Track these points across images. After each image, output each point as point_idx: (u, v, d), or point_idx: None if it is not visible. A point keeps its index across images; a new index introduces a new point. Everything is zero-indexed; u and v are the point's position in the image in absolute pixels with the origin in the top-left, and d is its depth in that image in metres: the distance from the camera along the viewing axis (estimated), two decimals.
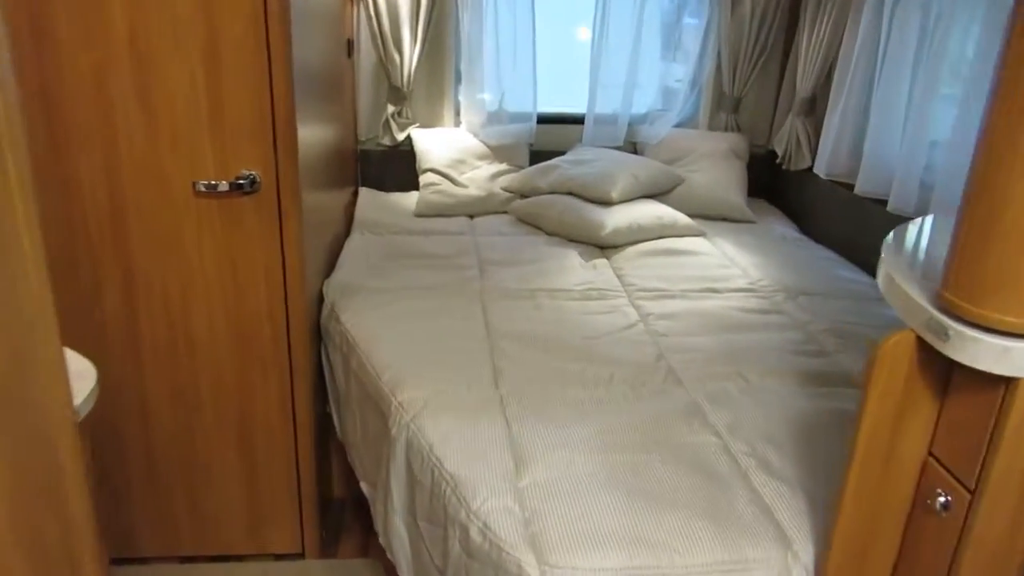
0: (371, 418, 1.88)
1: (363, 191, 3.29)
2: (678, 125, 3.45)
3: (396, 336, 1.97)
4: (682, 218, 2.90)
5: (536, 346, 1.95)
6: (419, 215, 3.07)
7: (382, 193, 3.32)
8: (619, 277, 2.50)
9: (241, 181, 1.86)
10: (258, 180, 1.90)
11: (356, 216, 3.01)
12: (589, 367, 1.85)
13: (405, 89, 3.26)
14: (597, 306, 2.24)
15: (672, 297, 2.33)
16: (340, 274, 2.39)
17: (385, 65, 3.22)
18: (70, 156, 1.84)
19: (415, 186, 3.29)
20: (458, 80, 3.36)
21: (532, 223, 2.98)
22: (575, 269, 2.53)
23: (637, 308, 2.25)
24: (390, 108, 3.30)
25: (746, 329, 2.12)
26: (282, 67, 1.81)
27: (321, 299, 2.32)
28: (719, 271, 2.55)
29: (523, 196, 3.14)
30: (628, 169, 3.01)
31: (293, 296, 2.04)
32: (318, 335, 2.27)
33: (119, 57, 1.78)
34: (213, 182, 1.87)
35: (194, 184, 1.86)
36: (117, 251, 1.94)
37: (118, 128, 1.83)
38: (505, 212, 3.14)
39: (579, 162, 3.13)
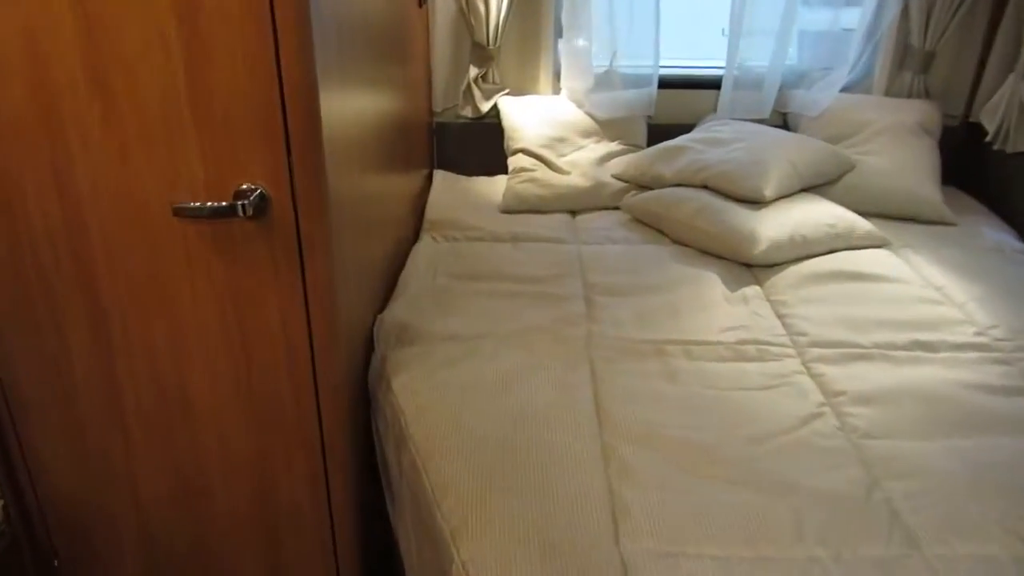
0: (428, 553, 1.28)
1: (438, 175, 2.66)
2: (846, 89, 2.63)
3: (465, 435, 1.34)
4: (860, 223, 2.13)
5: (673, 459, 1.28)
6: (506, 211, 2.41)
7: (462, 178, 2.68)
8: (781, 318, 1.78)
9: (242, 202, 1.25)
10: (267, 197, 1.29)
11: (427, 211, 2.38)
12: (759, 503, 1.18)
13: (491, 47, 2.58)
14: (757, 373, 1.55)
15: (866, 359, 1.60)
16: (398, 307, 1.78)
17: (467, 16, 2.54)
18: (3, 162, 1.28)
19: (502, 168, 2.64)
20: (559, 34, 2.65)
21: (653, 225, 2.28)
22: (718, 304, 1.83)
23: (817, 379, 1.54)
24: (473, 71, 2.62)
25: (996, 428, 1.38)
26: (293, 22, 1.17)
27: (371, 342, 1.72)
28: (926, 310, 1.79)
29: (640, 187, 2.43)
30: (783, 153, 2.24)
31: (322, 350, 1.44)
32: (364, 394, 1.68)
33: (59, 18, 1.18)
34: (201, 203, 1.27)
35: (173, 206, 1.27)
36: (84, 295, 1.39)
37: (66, 122, 1.25)
38: (617, 208, 2.44)
39: (714, 142, 2.38)
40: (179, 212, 1.27)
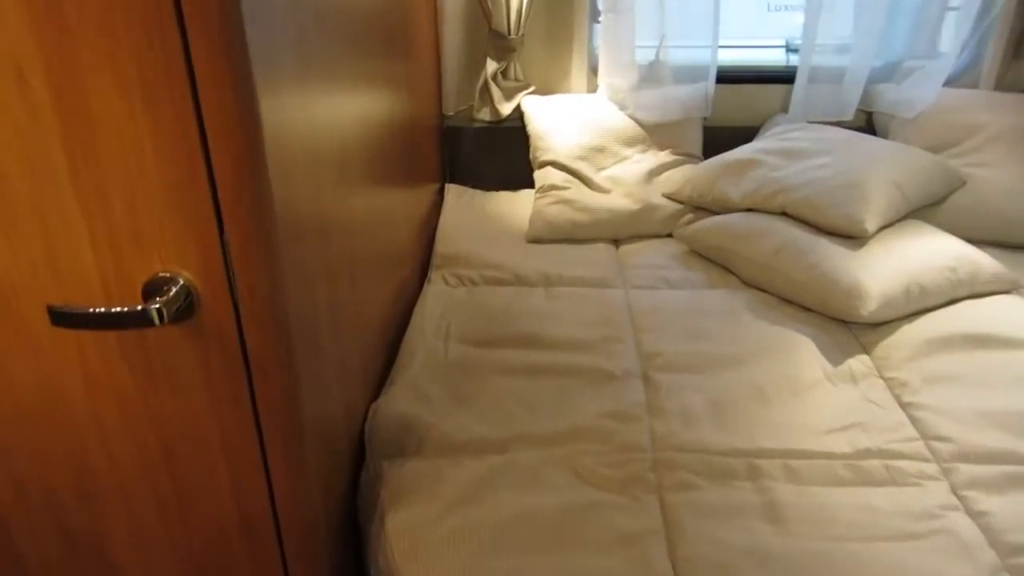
0: None
1: (451, 191, 2.22)
2: (949, 83, 2.15)
3: None
4: (986, 263, 1.67)
5: None
6: (535, 240, 1.97)
7: (479, 194, 2.23)
8: (906, 408, 1.34)
9: (156, 304, 0.82)
10: (192, 292, 0.86)
11: (438, 241, 1.95)
12: None
13: (513, 36, 2.12)
14: (891, 510, 1.11)
15: None
16: (398, 393, 1.36)
17: (483, 0, 2.08)
18: None
19: (526, 180, 2.19)
20: (594, 19, 2.19)
21: (717, 261, 1.83)
22: (818, 385, 1.39)
23: (978, 519, 1.10)
24: (491, 66, 2.17)
25: None
26: (210, 11, 0.74)
27: (361, 441, 1.30)
28: None
29: (697, 208, 1.98)
30: (883, 171, 1.78)
31: (285, 489, 1.02)
32: (352, 517, 1.26)
33: None
34: (92, 307, 0.84)
35: (50, 308, 0.84)
36: None
37: None
38: (669, 236, 1.99)
39: (792, 154, 1.92)
40: (59, 320, 0.84)
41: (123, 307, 0.83)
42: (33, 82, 0.75)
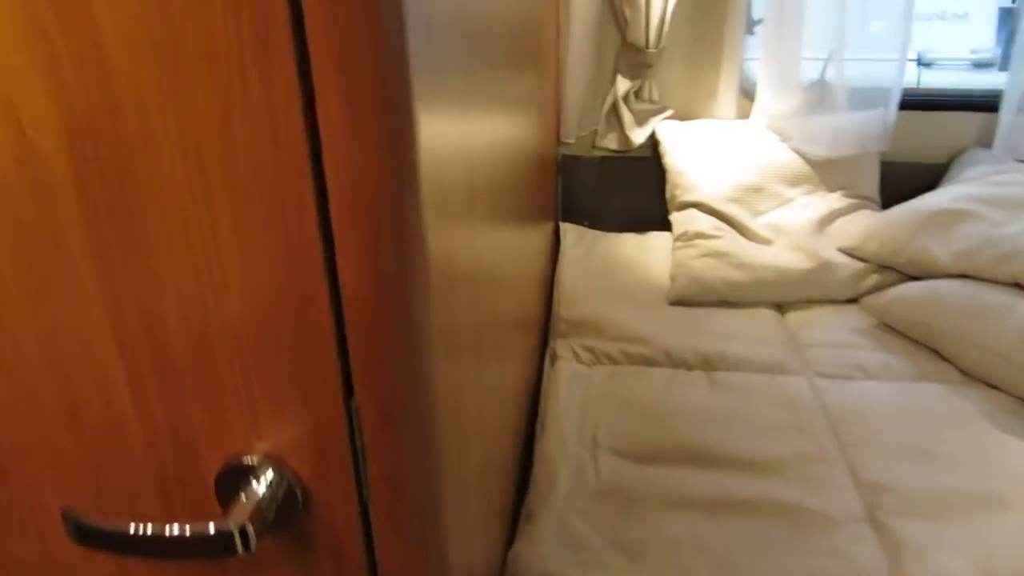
0: None
1: (568, 233, 1.86)
2: None
3: None
4: None
5: None
6: (678, 302, 1.60)
7: (600, 235, 1.87)
8: None
9: (237, 525, 0.48)
10: (296, 487, 0.51)
11: (559, 300, 1.59)
12: None
13: (651, 49, 1.75)
14: None
15: None
16: (540, 539, 1.00)
17: (618, 6, 1.72)
18: None
19: (655, 221, 1.84)
20: (750, 29, 1.81)
21: (923, 342, 1.43)
22: None
23: None
24: (622, 85, 1.81)
25: None
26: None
27: None
28: None
29: (885, 268, 1.58)
30: None
31: None
32: None
33: None
34: (137, 527, 0.50)
35: (71, 518, 0.50)
36: None
37: None
38: (851, 302, 1.60)
39: (1014, 203, 1.51)
40: (84, 536, 0.51)
41: (182, 524, 0.49)
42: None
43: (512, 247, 1.16)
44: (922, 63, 2.47)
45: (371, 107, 0.40)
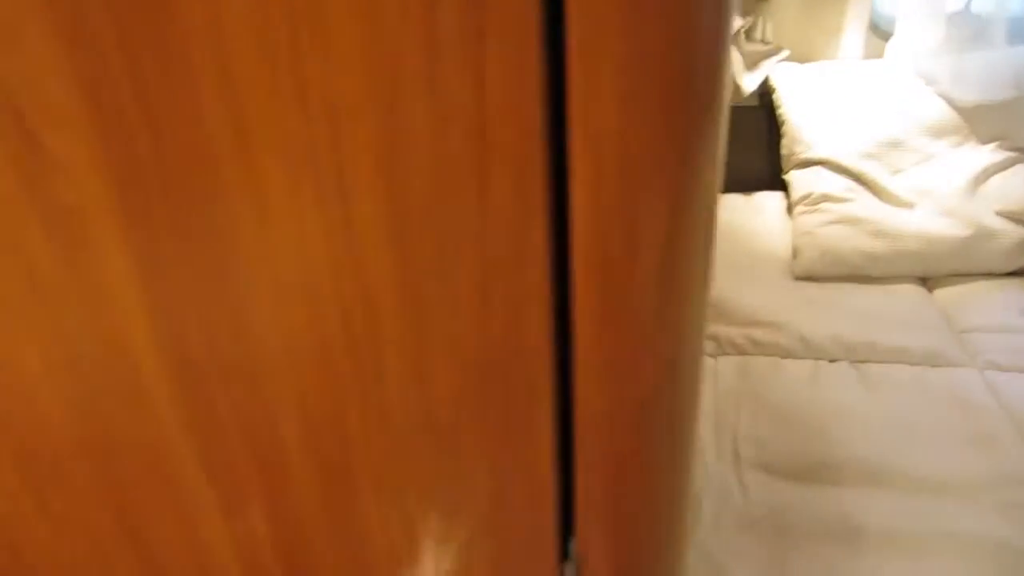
0: None
1: None
2: None
3: None
4: None
5: None
6: (805, 276, 1.38)
7: None
8: None
9: None
10: None
11: None
12: None
13: None
14: None
15: None
16: None
17: None
18: None
19: (765, 180, 1.61)
20: None
21: None
22: None
23: None
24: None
25: None
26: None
27: None
28: None
29: None
30: None
31: None
32: None
33: None
34: None
35: None
36: None
37: None
38: (1014, 274, 1.36)
39: None
40: None
41: None
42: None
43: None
44: None
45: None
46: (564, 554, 0.29)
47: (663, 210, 0.25)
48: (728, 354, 1.21)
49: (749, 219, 1.57)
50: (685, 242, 0.29)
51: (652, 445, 0.26)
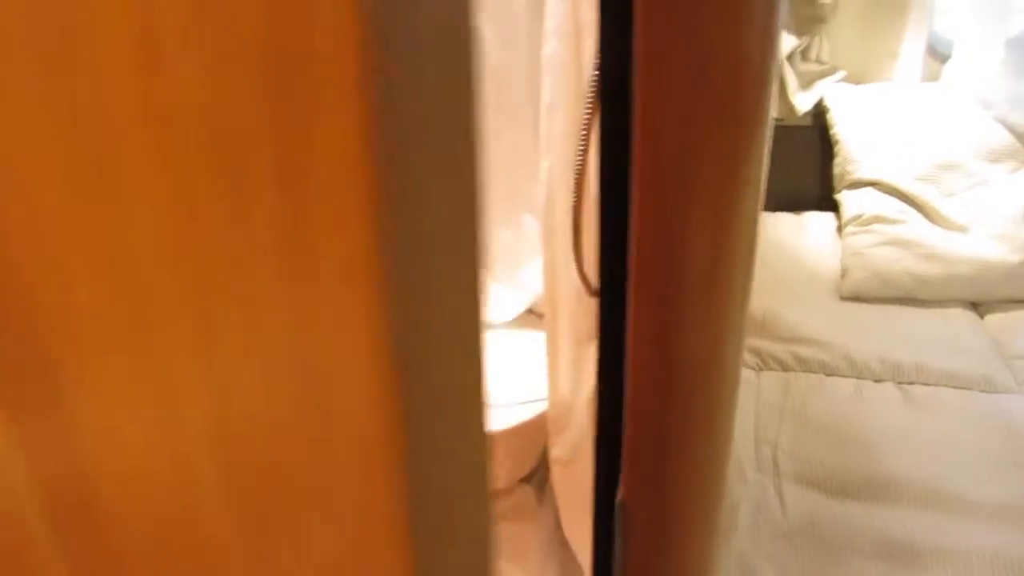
0: None
1: None
2: None
3: None
4: None
5: None
6: (852, 297, 1.39)
7: None
8: None
9: None
10: None
11: None
12: None
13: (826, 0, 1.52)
14: None
15: None
16: None
17: None
18: None
19: (814, 200, 1.62)
20: None
21: None
22: None
23: None
24: (788, 42, 1.58)
25: None
26: None
27: None
28: None
29: None
30: None
31: None
32: None
33: None
34: None
35: None
36: None
37: None
38: None
39: None
40: None
41: None
42: None
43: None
44: None
45: None
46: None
47: (712, 222, 0.28)
48: (772, 369, 1.22)
49: (798, 238, 1.58)
50: (730, 252, 0.32)
51: (692, 425, 0.30)
